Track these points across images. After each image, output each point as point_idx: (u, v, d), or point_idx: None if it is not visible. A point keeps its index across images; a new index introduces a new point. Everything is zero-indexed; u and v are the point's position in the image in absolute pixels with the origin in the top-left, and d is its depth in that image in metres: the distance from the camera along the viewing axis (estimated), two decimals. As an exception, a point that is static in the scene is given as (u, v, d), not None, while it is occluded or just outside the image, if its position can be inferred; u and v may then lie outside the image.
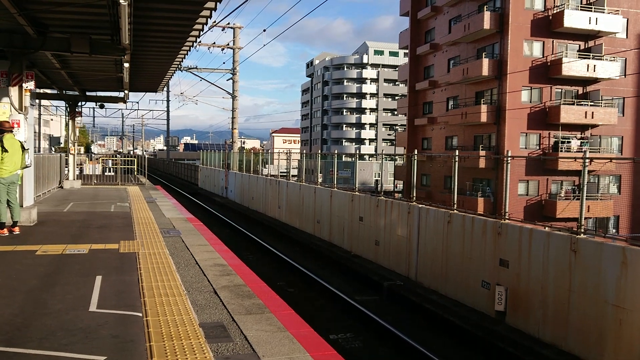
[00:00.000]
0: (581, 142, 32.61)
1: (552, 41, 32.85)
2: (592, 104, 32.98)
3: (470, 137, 35.34)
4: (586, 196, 9.87)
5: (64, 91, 22.13)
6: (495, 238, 10.89)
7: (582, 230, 9.29)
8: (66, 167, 23.04)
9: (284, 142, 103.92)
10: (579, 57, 32.37)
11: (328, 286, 13.35)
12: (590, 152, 29.82)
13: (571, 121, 32.18)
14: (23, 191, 10.83)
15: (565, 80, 32.93)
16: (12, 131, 9.75)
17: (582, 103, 32.89)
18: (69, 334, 4.73)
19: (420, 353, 9.42)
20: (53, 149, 51.09)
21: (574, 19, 31.84)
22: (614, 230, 30.60)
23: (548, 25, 32.58)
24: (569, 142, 32.52)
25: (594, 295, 8.70)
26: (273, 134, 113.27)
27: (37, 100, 29.30)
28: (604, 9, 32.64)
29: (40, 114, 44.42)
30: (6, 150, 9.38)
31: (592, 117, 32.48)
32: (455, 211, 12.52)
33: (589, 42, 33.47)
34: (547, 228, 10.14)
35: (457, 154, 13.67)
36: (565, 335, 9.19)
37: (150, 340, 4.67)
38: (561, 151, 31.78)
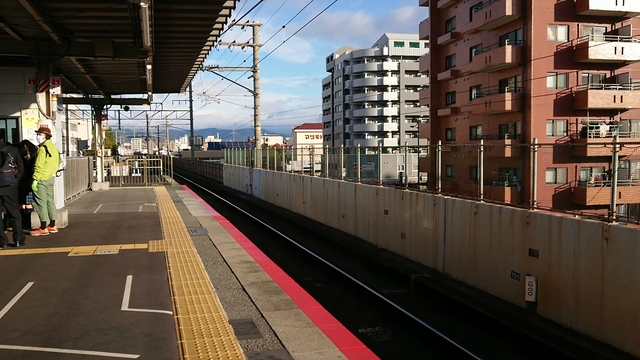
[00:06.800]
0: (610, 127, 31.78)
1: (577, 25, 32.03)
2: (620, 87, 32.08)
3: (495, 126, 34.78)
4: (617, 182, 9.65)
5: (89, 95, 22.55)
6: (524, 228, 10.72)
7: (614, 217, 9.08)
8: (94, 169, 23.50)
9: (306, 138, 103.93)
10: (605, 40, 31.50)
11: (355, 280, 13.35)
12: (620, 136, 28.91)
13: (599, 106, 31.39)
14: (54, 194, 11.09)
15: (592, 64, 32.09)
16: (50, 137, 10.14)
17: (610, 87, 32.03)
18: (103, 333, 4.83)
19: (452, 346, 9.34)
20: (81, 152, 52.22)
21: (599, 0, 31.00)
22: (647, 217, 29.81)
23: (572, 9, 31.77)
24: (597, 127, 31.72)
25: (629, 284, 8.49)
26: (295, 130, 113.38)
27: (64, 105, 29.95)
28: (631, -11, 31.69)
29: (67, 118, 45.36)
30: (50, 155, 9.89)
31: (621, 101, 31.63)
32: (481, 201, 12.36)
33: (616, 24, 32.54)
34: (577, 216, 9.93)
35: (482, 143, 13.47)
36: (599, 325, 9.01)
37: (182, 338, 4.74)
38: (590, 137, 31.02)
